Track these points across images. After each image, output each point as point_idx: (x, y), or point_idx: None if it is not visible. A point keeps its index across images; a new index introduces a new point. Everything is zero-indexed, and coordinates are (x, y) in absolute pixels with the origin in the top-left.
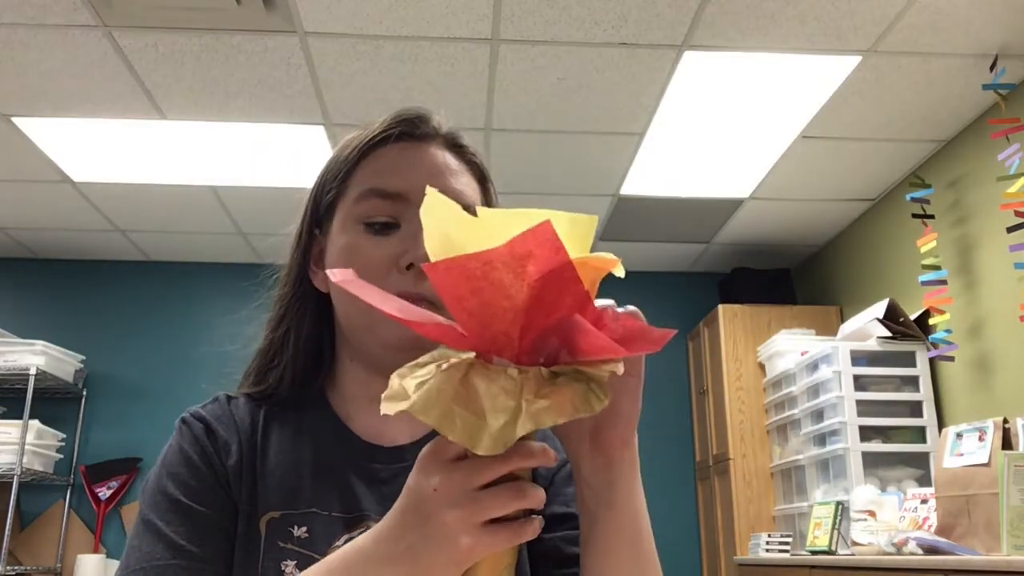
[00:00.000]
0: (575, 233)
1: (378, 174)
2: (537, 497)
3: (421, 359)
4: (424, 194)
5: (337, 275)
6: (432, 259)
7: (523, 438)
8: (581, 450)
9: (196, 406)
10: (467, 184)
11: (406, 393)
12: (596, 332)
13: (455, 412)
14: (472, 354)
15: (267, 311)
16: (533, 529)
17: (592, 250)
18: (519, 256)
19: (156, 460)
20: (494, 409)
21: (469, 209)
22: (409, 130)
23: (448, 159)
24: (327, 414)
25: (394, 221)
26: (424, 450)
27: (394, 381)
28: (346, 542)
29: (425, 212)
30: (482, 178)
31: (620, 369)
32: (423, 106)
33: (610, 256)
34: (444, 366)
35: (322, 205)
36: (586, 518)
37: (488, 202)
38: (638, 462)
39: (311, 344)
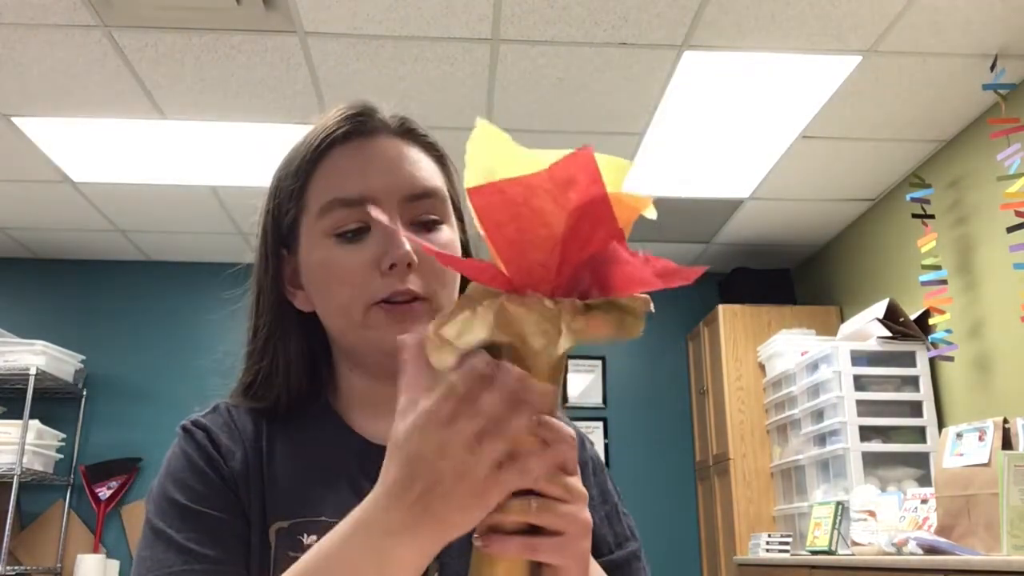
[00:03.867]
0: (609, 174)
1: (335, 182)
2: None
3: (447, 310)
4: (390, 193)
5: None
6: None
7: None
8: None
9: (195, 414)
10: (428, 168)
11: (448, 340)
12: (631, 262)
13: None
14: (501, 292)
15: (244, 343)
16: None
17: None
18: (560, 182)
19: (157, 462)
20: (534, 333)
21: (439, 193)
22: (355, 127)
23: (403, 148)
24: (334, 422)
25: (364, 225)
26: (433, 404)
27: (431, 336)
28: None
29: (472, 143)
30: (441, 160)
31: (651, 307)
32: (365, 99)
33: (644, 195)
34: (478, 308)
35: (284, 225)
36: None
37: (451, 183)
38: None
39: (302, 363)
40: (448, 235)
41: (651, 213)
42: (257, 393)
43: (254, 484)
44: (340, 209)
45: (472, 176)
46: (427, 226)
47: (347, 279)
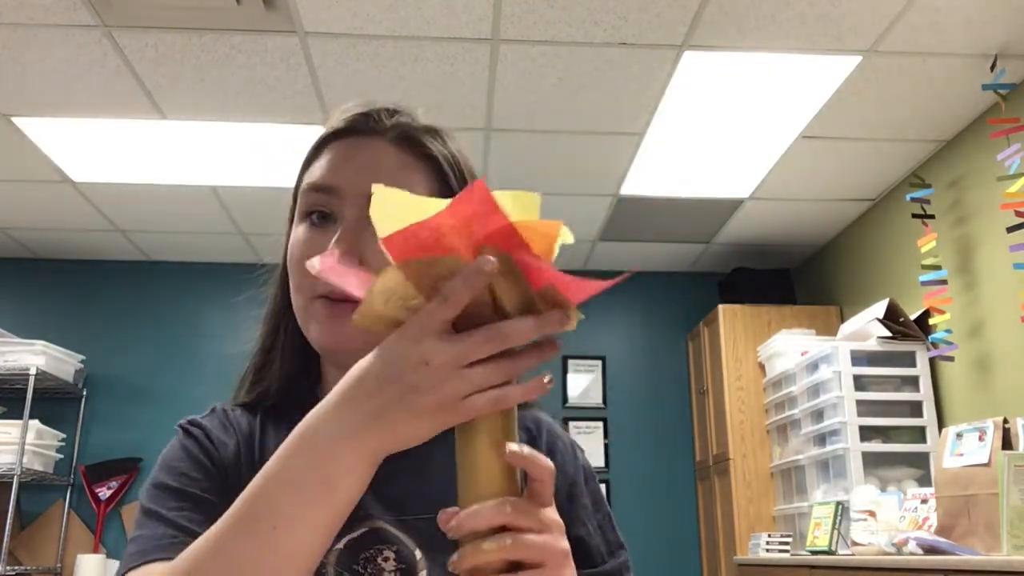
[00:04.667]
0: (518, 209)
1: (319, 170)
2: (520, 365)
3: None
4: (356, 190)
5: (315, 265)
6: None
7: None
8: None
9: (193, 416)
10: (416, 180)
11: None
12: (544, 265)
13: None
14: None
15: (260, 319)
16: (514, 394)
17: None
18: (462, 217)
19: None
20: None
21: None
22: (353, 126)
23: (392, 155)
24: None
25: (330, 213)
26: (410, 320)
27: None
28: (346, 544)
29: (375, 208)
30: (441, 174)
31: (575, 320)
32: (373, 101)
33: (554, 221)
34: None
35: (291, 211)
36: None
37: (444, 194)
38: None
39: (298, 348)
40: None
41: (567, 237)
42: (258, 374)
43: (246, 472)
44: (312, 193)
45: (384, 233)
46: None
47: (302, 261)
